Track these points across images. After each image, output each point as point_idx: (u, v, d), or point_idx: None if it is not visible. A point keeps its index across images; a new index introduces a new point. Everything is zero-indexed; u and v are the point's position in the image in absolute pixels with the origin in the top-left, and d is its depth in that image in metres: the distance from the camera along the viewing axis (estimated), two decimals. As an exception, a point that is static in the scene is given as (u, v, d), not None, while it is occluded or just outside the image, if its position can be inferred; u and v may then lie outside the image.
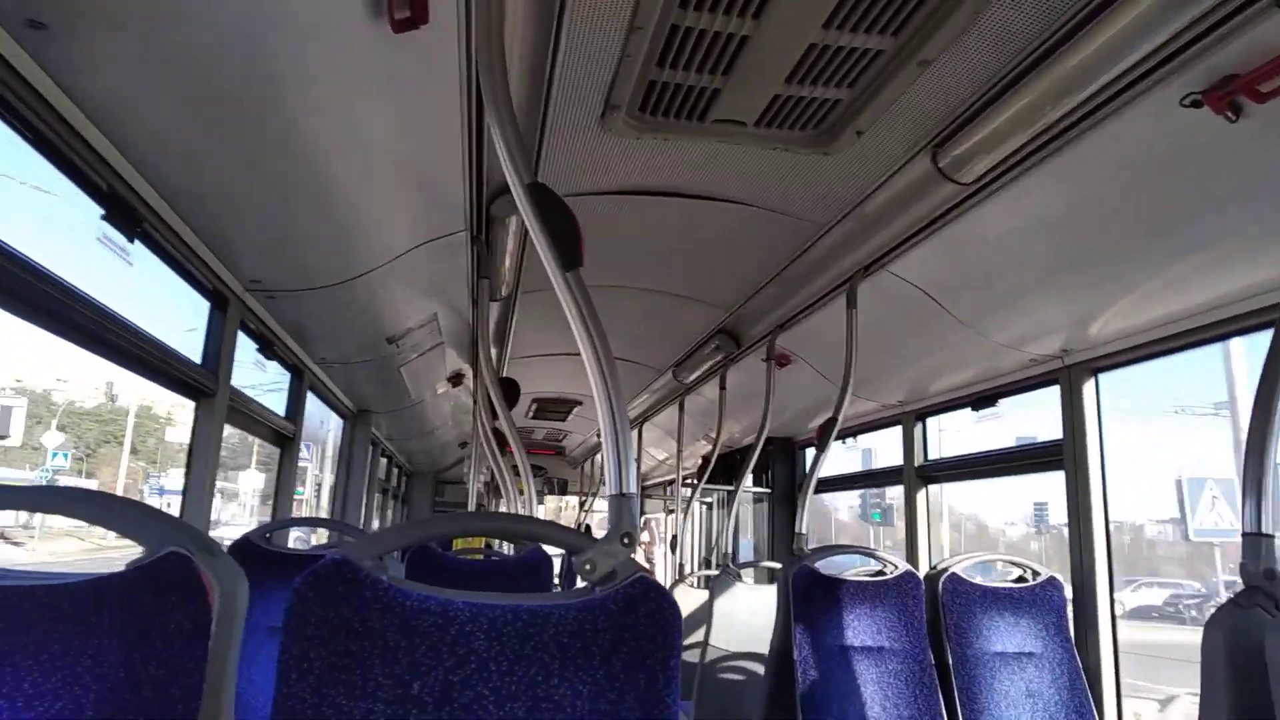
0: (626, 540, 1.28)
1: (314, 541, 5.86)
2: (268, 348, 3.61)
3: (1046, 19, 1.79)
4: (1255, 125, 1.77)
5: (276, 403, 4.19)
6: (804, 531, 3.37)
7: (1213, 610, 1.46)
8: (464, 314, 3.94)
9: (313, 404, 4.76)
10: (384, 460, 7.79)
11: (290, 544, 4.06)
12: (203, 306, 2.93)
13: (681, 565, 5.46)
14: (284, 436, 4.14)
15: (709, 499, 7.73)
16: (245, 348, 3.47)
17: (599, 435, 7.50)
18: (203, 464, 2.91)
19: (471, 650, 1.16)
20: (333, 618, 1.12)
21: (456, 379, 5.38)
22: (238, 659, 1.25)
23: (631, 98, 2.22)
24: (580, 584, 1.34)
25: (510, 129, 1.47)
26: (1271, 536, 1.35)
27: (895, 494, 3.41)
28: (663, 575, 8.64)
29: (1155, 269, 2.48)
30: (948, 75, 2.03)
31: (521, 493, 3.40)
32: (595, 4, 1.84)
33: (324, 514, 6.38)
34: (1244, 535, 1.36)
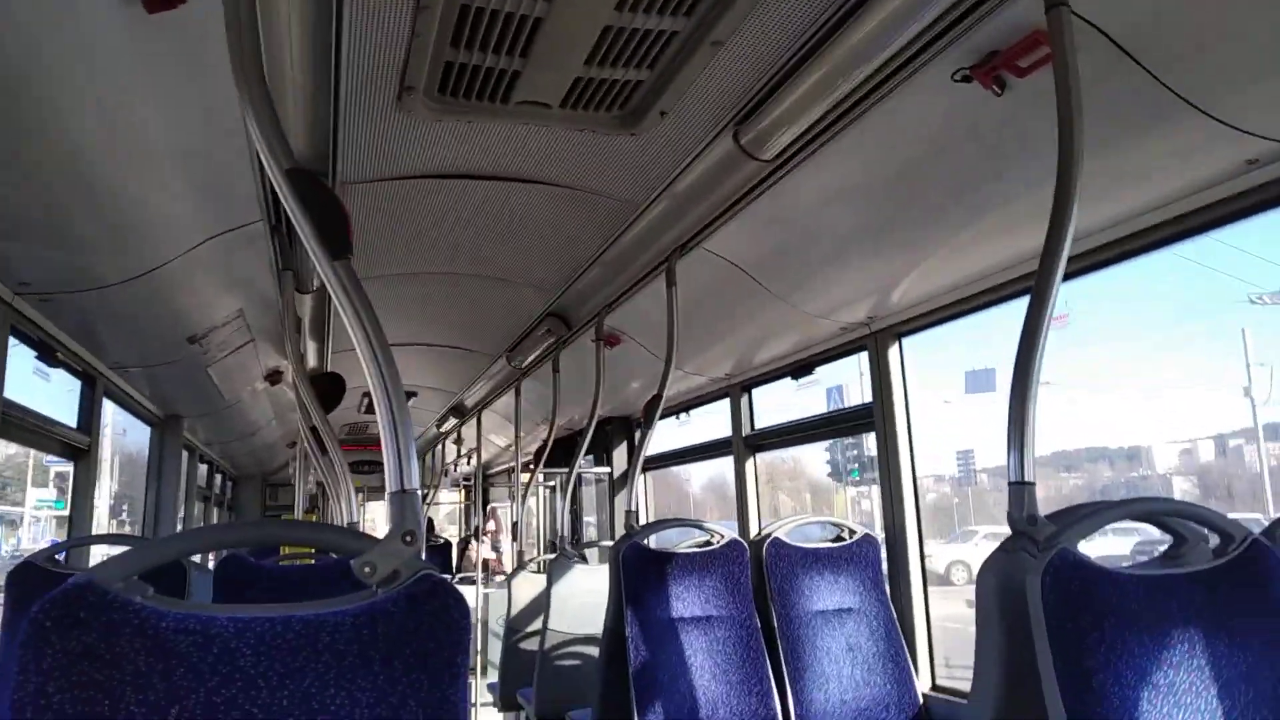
0: (409, 538, 1.22)
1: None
2: (49, 354, 3.28)
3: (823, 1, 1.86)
4: (1018, 98, 1.91)
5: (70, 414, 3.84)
6: (633, 509, 3.41)
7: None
8: (273, 307, 3.72)
9: (116, 413, 4.40)
10: (203, 466, 7.29)
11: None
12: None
13: (521, 552, 5.43)
14: (78, 449, 3.79)
15: (552, 483, 7.72)
16: (21, 356, 3.14)
17: (439, 425, 7.35)
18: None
19: (237, 668, 1.08)
20: (74, 646, 1.01)
21: (274, 377, 5.09)
22: None
23: (428, 79, 2.14)
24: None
25: (264, 111, 1.37)
26: (1032, 484, 1.46)
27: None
28: (509, 563, 8.57)
29: (944, 237, 2.65)
30: (741, 55, 2.07)
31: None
32: None
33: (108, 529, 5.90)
34: (1009, 484, 1.47)
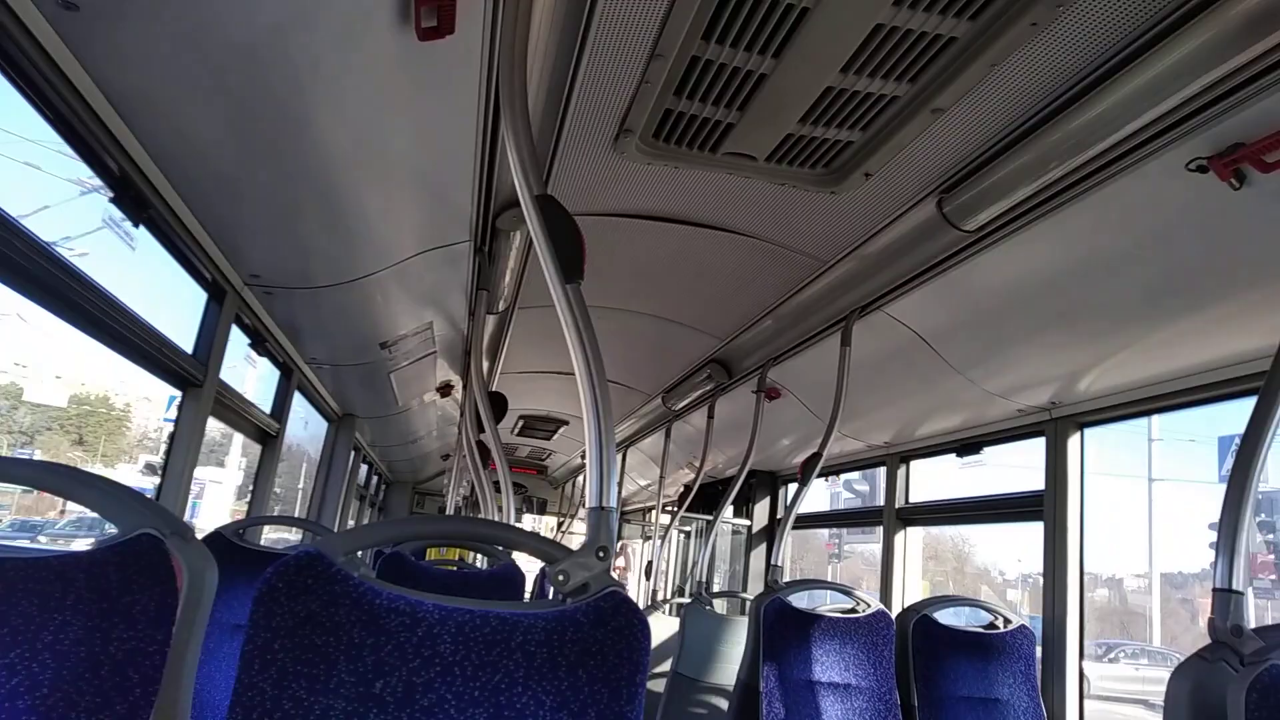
0: (602, 554, 1.28)
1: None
2: (259, 343, 3.60)
3: (1059, 78, 1.83)
4: (1258, 194, 1.82)
5: (264, 399, 4.18)
6: (779, 564, 3.37)
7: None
8: (459, 324, 3.95)
9: (298, 403, 4.75)
10: (364, 466, 7.74)
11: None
12: (198, 297, 2.93)
13: (655, 592, 5.43)
14: (267, 434, 4.12)
15: (687, 528, 7.71)
16: (237, 342, 3.47)
17: (583, 456, 7.51)
18: (183, 453, 2.89)
19: (437, 653, 1.15)
20: (300, 610, 1.11)
21: (445, 389, 5.37)
22: (200, 643, 1.24)
23: (646, 124, 2.25)
24: (553, 595, 1.33)
25: (525, 139, 1.49)
26: (1241, 593, 1.37)
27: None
28: (636, 601, 8.56)
29: (1148, 329, 2.52)
30: (959, 125, 2.07)
31: (500, 508, 3.39)
32: (620, 28, 1.87)
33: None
34: (1215, 591, 1.38)
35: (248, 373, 4.14)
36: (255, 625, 1.11)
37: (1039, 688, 3.12)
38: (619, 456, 7.26)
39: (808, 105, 2.08)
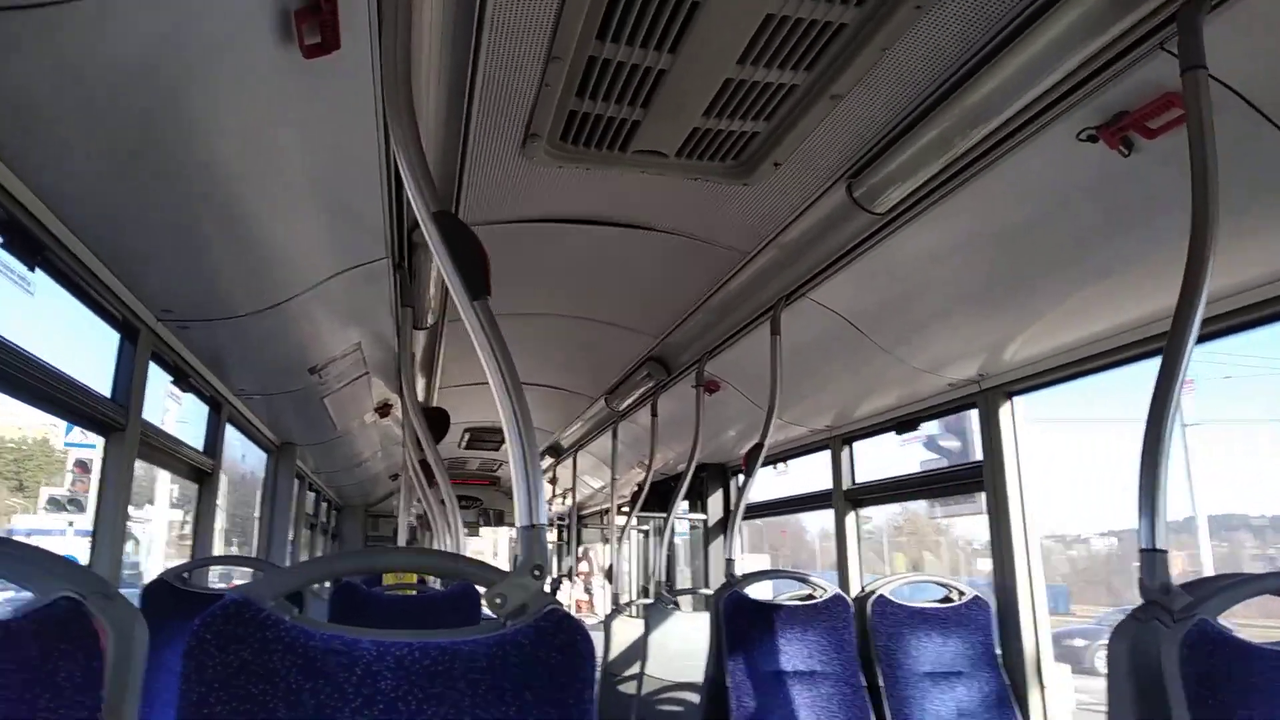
0: (537, 572, 1.26)
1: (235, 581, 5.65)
2: (182, 379, 3.49)
3: (948, 58, 1.86)
4: (1146, 159, 1.86)
5: (194, 437, 4.06)
6: (733, 557, 3.38)
7: None
8: (389, 342, 3.88)
9: (233, 437, 4.63)
10: (312, 494, 7.58)
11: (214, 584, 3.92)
12: (111, 338, 2.84)
13: (617, 595, 5.42)
14: (202, 472, 4.01)
15: (646, 527, 7.71)
16: (158, 379, 3.36)
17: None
18: (112, 502, 2.78)
19: (378, 690, 1.12)
20: (232, 660, 1.08)
21: (384, 409, 5.29)
22: (137, 703, 1.19)
23: (552, 127, 2.23)
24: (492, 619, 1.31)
25: (416, 155, 1.46)
26: (1165, 552, 1.40)
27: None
28: (601, 605, 8.55)
29: (1061, 295, 2.57)
30: (860, 110, 2.09)
31: (449, 525, 3.35)
32: (513, 33, 1.85)
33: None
34: (1141, 551, 1.41)
35: (171, 411, 4.01)
36: (188, 680, 1.08)
37: (999, 657, 3.18)
38: (568, 463, 7.24)
39: (709, 98, 2.09)
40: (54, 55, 1.47)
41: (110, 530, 2.77)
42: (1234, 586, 1.38)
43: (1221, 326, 2.39)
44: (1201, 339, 2.47)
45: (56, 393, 2.38)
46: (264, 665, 1.09)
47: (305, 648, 1.12)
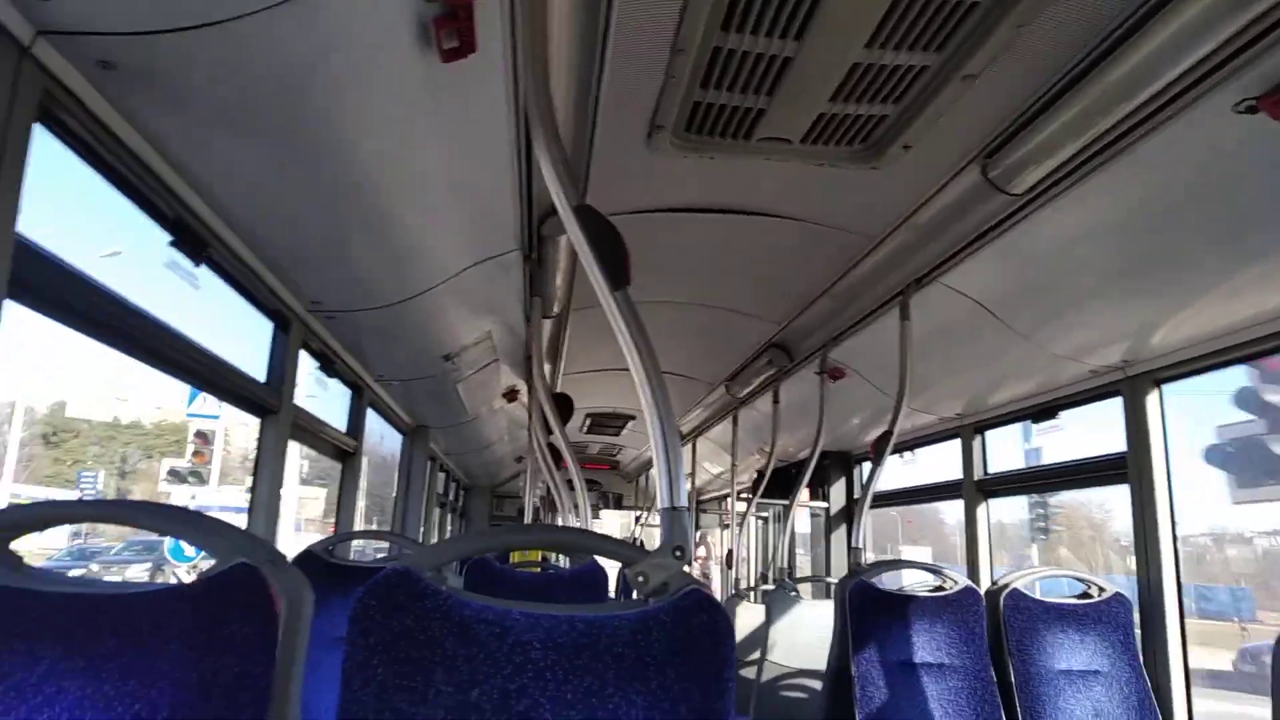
0: (679, 553, 1.30)
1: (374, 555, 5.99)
2: (328, 366, 3.71)
3: (1090, 30, 1.77)
4: None
5: (338, 419, 4.31)
6: (860, 546, 3.34)
7: None
8: (518, 331, 4.01)
9: (372, 420, 4.89)
10: (442, 475, 7.91)
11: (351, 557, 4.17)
12: (266, 327, 3.05)
13: (738, 580, 5.43)
14: (345, 452, 4.25)
15: (765, 514, 7.68)
16: (307, 366, 3.59)
17: (653, 451, 7.51)
18: (268, 478, 3.00)
19: (528, 659, 1.18)
20: (394, 626, 1.16)
21: (511, 395, 5.46)
22: (303, 666, 1.30)
23: (677, 118, 2.25)
24: (635, 596, 1.35)
25: (557, 152, 1.50)
26: None
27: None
28: (719, 590, 8.58)
29: (1216, 277, 2.41)
30: (994, 89, 2.02)
31: (576, 507, 3.44)
32: (639, 27, 1.87)
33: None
34: None
35: (320, 394, 4.27)
36: (353, 644, 1.16)
37: (1140, 657, 3.03)
38: (688, 449, 7.27)
39: (836, 83, 2.06)
40: (223, 68, 1.59)
41: (266, 505, 2.99)
42: None
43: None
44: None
45: (219, 378, 2.59)
46: (424, 631, 1.16)
47: (461, 616, 1.18)
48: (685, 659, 1.20)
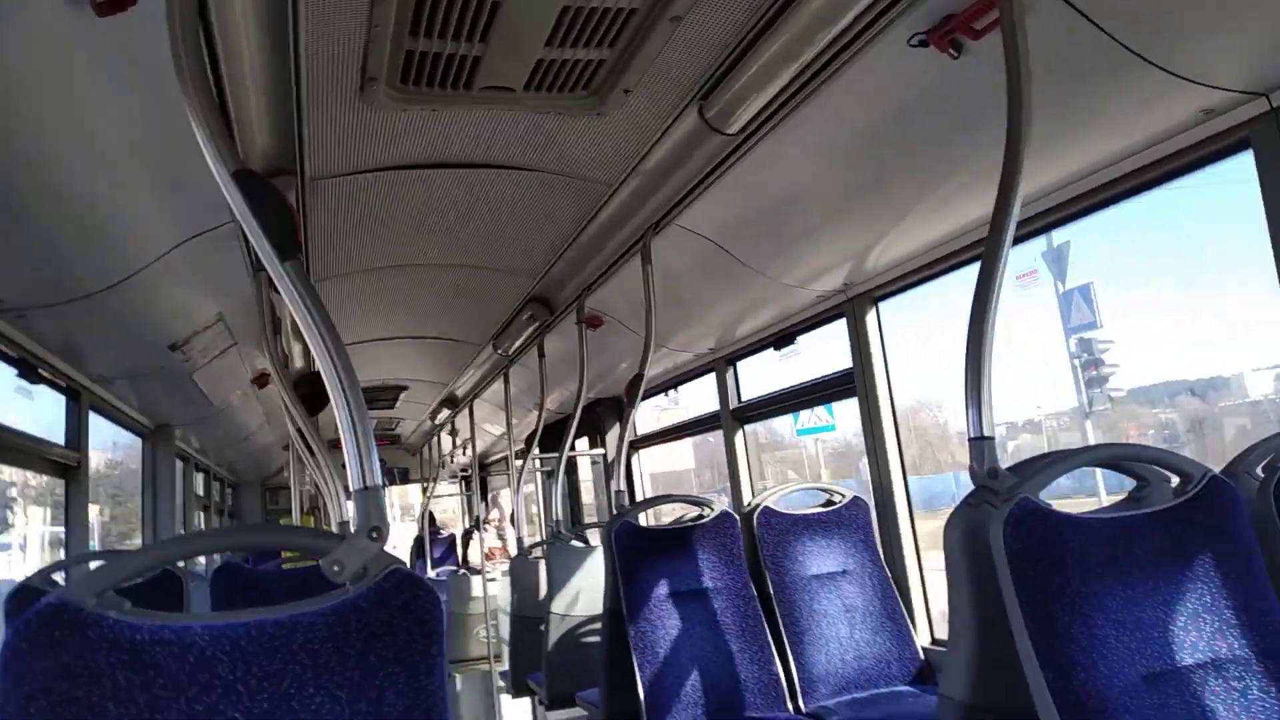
0: (375, 534, 1.25)
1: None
2: (30, 371, 3.27)
3: None
4: (975, 62, 1.92)
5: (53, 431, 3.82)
6: (622, 488, 3.44)
7: None
8: (252, 310, 3.72)
9: (102, 426, 4.38)
10: (200, 475, 7.29)
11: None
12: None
13: (521, 539, 5.46)
14: (67, 467, 3.79)
15: (548, 469, 7.75)
16: (4, 374, 3.15)
17: (432, 418, 7.33)
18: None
19: (215, 675, 1.10)
20: (52, 666, 1.03)
21: (262, 380, 5.09)
22: None
23: (389, 69, 2.14)
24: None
25: (209, 112, 1.38)
26: (991, 438, 1.49)
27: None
28: (513, 551, 8.60)
29: (913, 199, 2.66)
30: (702, 29, 2.08)
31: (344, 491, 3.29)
32: None
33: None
34: (970, 440, 1.50)
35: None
36: (5, 693, 1.02)
37: (880, 554, 3.37)
38: (465, 413, 7.16)
39: (549, 27, 2.03)
40: None
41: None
42: (1055, 463, 1.49)
43: (1051, 220, 2.51)
44: (1028, 235, 2.64)
45: None
46: (88, 666, 1.05)
47: (132, 642, 1.08)
48: (389, 642, 1.17)
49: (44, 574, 2.73)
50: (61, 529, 3.77)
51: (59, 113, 1.84)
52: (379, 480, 1.30)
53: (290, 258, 1.36)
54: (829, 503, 3.43)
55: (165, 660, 1.09)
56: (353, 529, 1.27)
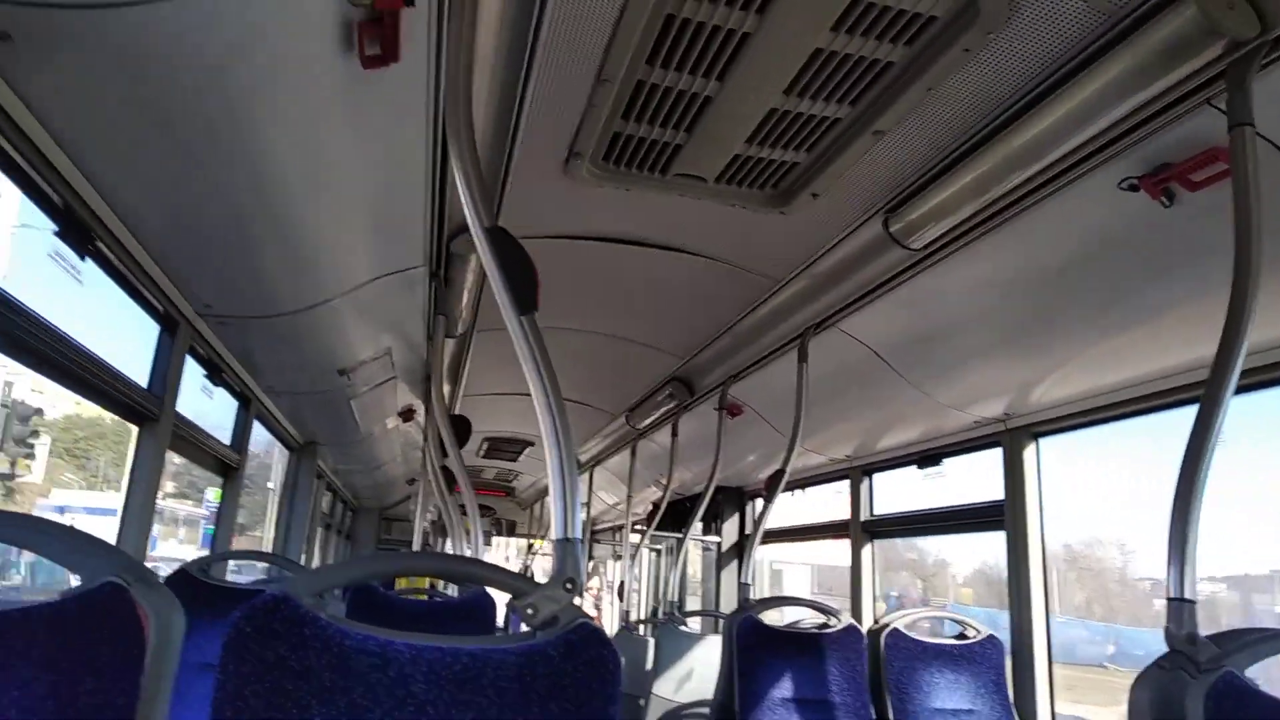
0: (569, 585, 1.27)
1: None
2: (215, 374, 3.55)
3: (993, 101, 1.88)
4: (1187, 212, 1.87)
5: (221, 429, 4.11)
6: (749, 581, 3.38)
7: None
8: (418, 349, 3.93)
9: (258, 433, 4.68)
10: (329, 494, 7.63)
11: (228, 577, 3.96)
12: (152, 330, 2.89)
13: (627, 612, 5.42)
14: (228, 466, 4.05)
15: (659, 546, 7.70)
16: (192, 373, 3.41)
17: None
18: (142, 490, 2.83)
19: (410, 693, 1.14)
20: (269, 655, 1.10)
21: (408, 414, 5.33)
22: (170, 691, 1.22)
23: (596, 147, 2.27)
24: (523, 629, 1.33)
25: (473, 171, 1.49)
26: (1193, 602, 1.40)
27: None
28: (609, 622, 8.52)
29: (1093, 340, 2.57)
30: (901, 146, 2.12)
31: (468, 533, 3.37)
32: (566, 54, 1.89)
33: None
34: (1169, 600, 1.40)
35: (204, 404, 4.07)
36: (225, 672, 1.09)
37: (1010, 697, 3.16)
38: (584, 478, 7.24)
39: (753, 127, 2.12)
40: (128, 53, 1.51)
41: (138, 518, 2.82)
42: (1264, 640, 1.38)
43: (1259, 379, 2.38)
44: (1239, 390, 2.48)
45: (96, 379, 2.43)
46: (300, 662, 1.11)
47: (341, 647, 1.13)
48: (571, 694, 1.19)
49: (199, 563, 2.91)
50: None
51: (303, 151, 2.02)
52: (579, 533, 1.34)
53: (527, 312, 1.43)
54: (961, 635, 3.26)
55: (368, 670, 1.14)
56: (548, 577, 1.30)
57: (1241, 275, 1.49)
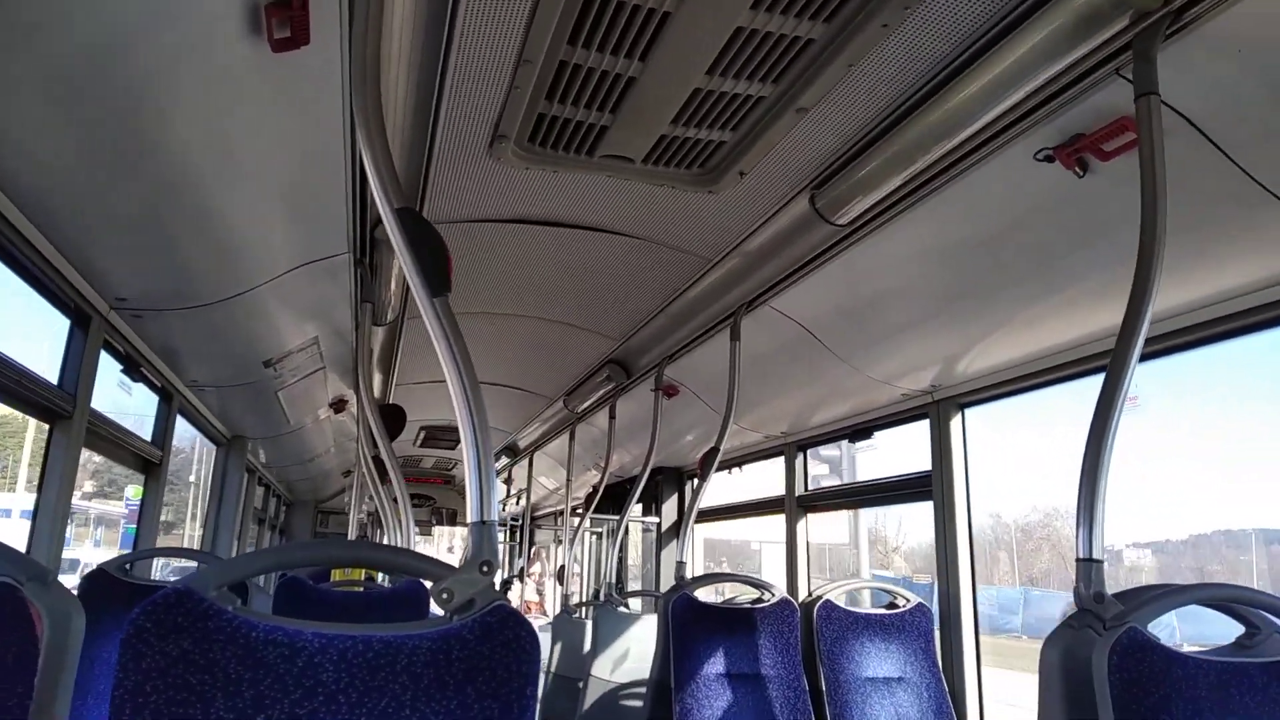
0: (485, 568, 1.26)
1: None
2: (133, 369, 3.42)
3: (913, 76, 1.91)
4: (1100, 181, 1.93)
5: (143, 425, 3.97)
6: (685, 560, 3.41)
7: None
8: (347, 338, 3.85)
9: (183, 428, 4.53)
10: (261, 489, 7.46)
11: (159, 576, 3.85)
12: (62, 325, 2.77)
13: (567, 596, 5.43)
14: (150, 463, 3.92)
15: (600, 529, 7.72)
16: (108, 368, 3.29)
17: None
18: (55, 489, 2.72)
19: (319, 682, 1.12)
20: (172, 650, 1.07)
21: (339, 405, 5.22)
22: (70, 693, 1.19)
23: (520, 129, 2.24)
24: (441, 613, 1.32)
25: (381, 152, 1.46)
26: (1100, 561, 1.45)
27: None
28: (551, 606, 8.52)
29: (1015, 310, 2.64)
30: (825, 123, 2.14)
31: (401, 523, 3.33)
32: (485, 35, 1.86)
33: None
34: (1078, 561, 1.46)
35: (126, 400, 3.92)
36: (124, 669, 1.06)
37: (939, 663, 3.25)
38: (524, 464, 7.21)
39: (678, 107, 2.11)
40: (18, 34, 1.44)
41: (51, 518, 2.71)
42: (1164, 596, 1.44)
43: (1163, 346, 2.47)
44: (1144, 357, 2.58)
45: (2, 378, 2.32)
46: (204, 655, 1.08)
47: (247, 639, 1.11)
48: (488, 676, 1.18)
49: (119, 562, 2.82)
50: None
51: (212, 133, 1.95)
52: (495, 516, 1.33)
53: (440, 294, 1.41)
54: (891, 605, 3.34)
55: (275, 660, 1.11)
56: (464, 560, 1.29)
57: (1148, 240, 1.54)
